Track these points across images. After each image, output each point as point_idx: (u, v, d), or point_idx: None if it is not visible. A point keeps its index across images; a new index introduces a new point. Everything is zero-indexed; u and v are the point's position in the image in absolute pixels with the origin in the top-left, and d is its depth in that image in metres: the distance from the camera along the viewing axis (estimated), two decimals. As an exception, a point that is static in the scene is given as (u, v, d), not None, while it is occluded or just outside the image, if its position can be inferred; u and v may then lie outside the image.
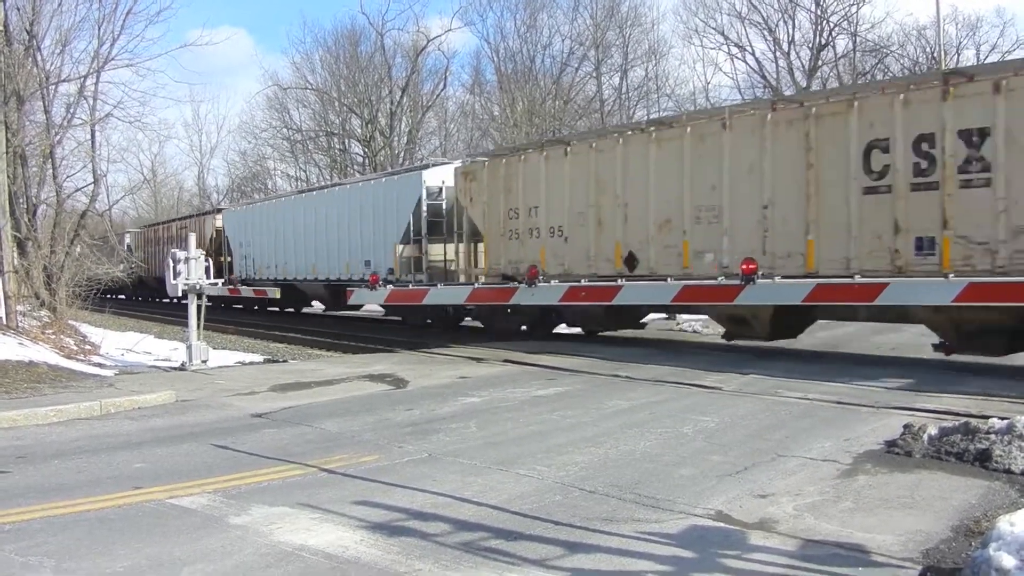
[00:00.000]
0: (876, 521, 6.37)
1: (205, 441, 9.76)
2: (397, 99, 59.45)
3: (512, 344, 19.94)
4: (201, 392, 13.50)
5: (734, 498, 7.02)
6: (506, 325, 22.62)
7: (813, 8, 48.26)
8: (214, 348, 19.00)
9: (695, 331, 23.00)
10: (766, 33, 50.16)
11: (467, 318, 25.82)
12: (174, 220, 50.32)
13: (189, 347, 16.89)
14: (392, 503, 7.00)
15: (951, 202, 13.51)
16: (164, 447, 9.53)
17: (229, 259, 36.33)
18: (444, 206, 24.41)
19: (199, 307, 16.97)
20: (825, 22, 47.91)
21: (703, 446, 9.05)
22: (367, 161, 59.38)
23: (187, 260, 16.82)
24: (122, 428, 10.77)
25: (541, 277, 19.15)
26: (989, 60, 42.36)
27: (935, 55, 41.68)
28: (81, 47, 37.14)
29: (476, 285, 20.90)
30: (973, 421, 8.88)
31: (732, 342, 18.22)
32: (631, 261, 18.26)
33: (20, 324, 18.41)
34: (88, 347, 20.06)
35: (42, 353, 16.37)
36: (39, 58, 22.32)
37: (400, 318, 28.84)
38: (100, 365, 17.54)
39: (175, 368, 17.24)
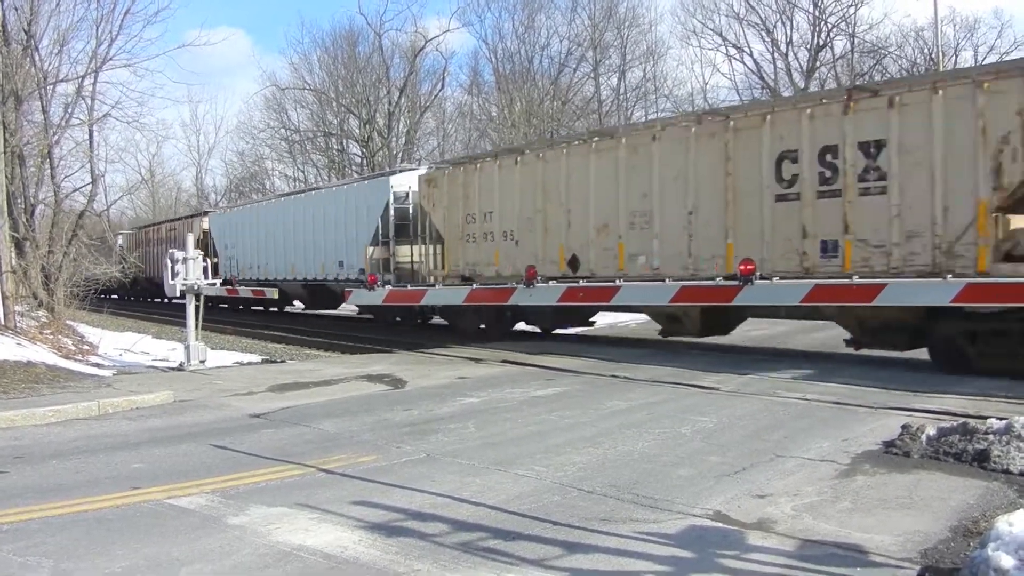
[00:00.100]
0: (874, 521, 6.38)
1: (203, 441, 9.76)
2: (395, 100, 59.50)
3: (511, 345, 19.97)
4: (199, 392, 13.50)
5: (732, 498, 7.02)
6: (467, 324, 23.42)
7: (811, 9, 48.40)
8: (212, 348, 19.00)
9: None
10: (764, 34, 50.30)
11: (435, 316, 26.80)
12: (163, 222, 50.71)
13: (187, 347, 16.89)
14: (390, 503, 7.00)
15: (852, 208, 14.57)
16: (162, 447, 9.53)
17: (215, 260, 36.58)
18: (410, 210, 25.47)
19: (197, 307, 16.96)
20: (823, 23, 48.03)
21: (701, 446, 9.06)
22: (365, 162, 59.42)
23: (185, 260, 16.81)
24: (120, 428, 10.77)
25: (539, 278, 19.15)
26: (987, 61, 42.43)
27: (933, 56, 41.70)
28: (79, 47, 37.03)
29: (474, 286, 20.91)
30: (971, 421, 8.88)
31: (669, 338, 19.10)
32: (574, 263, 19.27)
33: (18, 324, 18.39)
34: (86, 347, 20.04)
35: (40, 353, 16.35)
36: (37, 58, 22.34)
37: (372, 316, 29.93)
38: (98, 365, 17.52)
39: (173, 368, 17.23)
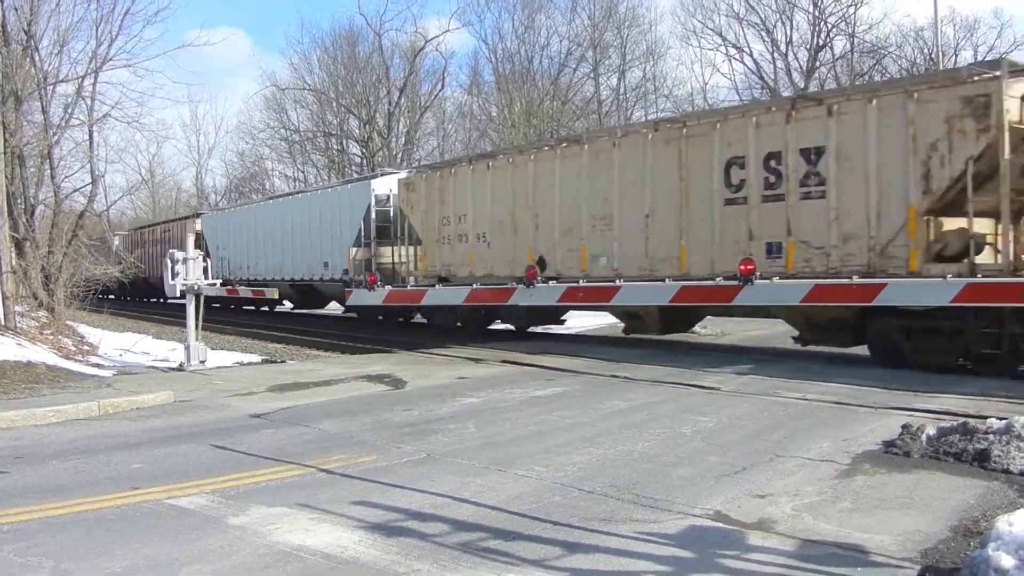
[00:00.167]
0: (874, 521, 6.37)
1: (203, 441, 9.76)
2: (395, 100, 59.56)
3: (511, 344, 20.00)
4: (199, 392, 13.50)
5: (732, 498, 7.02)
6: (444, 321, 24.68)
7: (811, 9, 48.39)
8: (212, 348, 19.01)
9: (694, 331, 23.03)
10: (764, 34, 50.31)
11: (416, 315, 27.63)
12: (158, 224, 51.44)
13: (187, 347, 16.88)
14: (390, 503, 7.00)
15: (794, 212, 15.45)
16: (162, 447, 9.53)
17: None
18: (391, 213, 26.58)
19: (197, 307, 16.95)
20: (823, 23, 48.03)
21: (701, 446, 9.06)
22: (365, 162, 59.45)
23: (185, 260, 16.81)
24: (120, 428, 10.77)
25: (539, 278, 19.17)
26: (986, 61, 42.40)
27: (933, 56, 41.68)
28: (79, 47, 37.13)
29: (474, 286, 20.98)
30: (971, 421, 8.88)
31: (634, 335, 20.13)
32: (542, 264, 20.18)
33: (18, 324, 18.39)
34: (86, 347, 20.05)
35: (40, 353, 16.35)
36: (37, 58, 22.33)
37: (356, 315, 30.89)
38: (98, 365, 17.53)
39: (173, 368, 17.24)
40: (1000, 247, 13.68)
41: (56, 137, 22.41)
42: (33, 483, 7.99)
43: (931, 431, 8.78)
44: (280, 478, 8.00)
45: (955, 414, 10.09)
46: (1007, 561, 5.02)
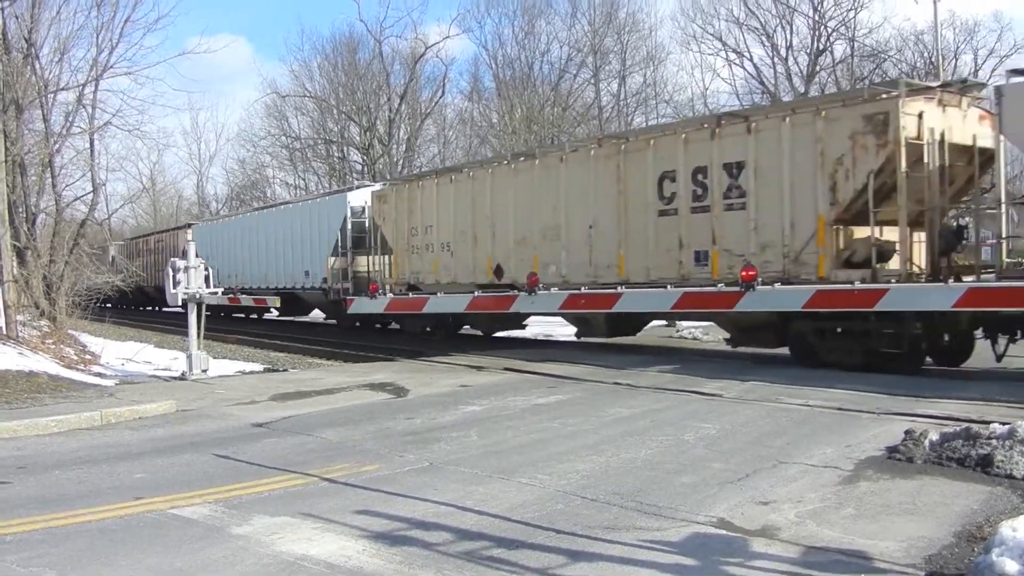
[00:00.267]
0: (878, 527, 6.37)
1: (206, 451, 9.76)
2: (395, 106, 59.61)
3: (513, 352, 20.00)
4: (202, 402, 13.49)
5: (736, 505, 7.02)
6: (414, 326, 26.25)
7: (811, 14, 48.38)
8: (214, 357, 19.01)
9: (695, 337, 23.16)
10: (764, 39, 50.28)
11: (393, 322, 28.90)
12: (151, 234, 52.19)
13: (189, 357, 16.89)
14: (394, 512, 6.99)
15: (718, 222, 16.60)
16: (165, 457, 9.52)
17: None
18: (366, 224, 28.16)
19: (199, 316, 16.95)
20: (823, 27, 48.02)
21: (704, 453, 9.05)
22: (366, 169, 59.48)
23: (187, 269, 16.81)
24: (123, 438, 10.76)
25: (540, 285, 19.19)
26: (987, 64, 42.52)
27: (933, 60, 41.69)
28: (80, 55, 37.03)
29: (476, 294, 21.09)
30: (974, 426, 8.89)
31: (605, 339, 21.14)
32: (499, 272, 21.56)
33: (20, 334, 18.39)
34: (88, 357, 20.05)
35: (42, 363, 16.36)
36: (38, 66, 22.31)
37: (335, 321, 32.37)
38: (100, 375, 17.53)
39: (175, 378, 17.23)
40: (908, 254, 14.88)
41: (57, 145, 22.42)
42: (36, 493, 7.99)
43: (934, 436, 8.77)
44: (283, 487, 8.00)
45: (958, 419, 10.09)
46: (1011, 567, 5.02)
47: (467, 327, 25.79)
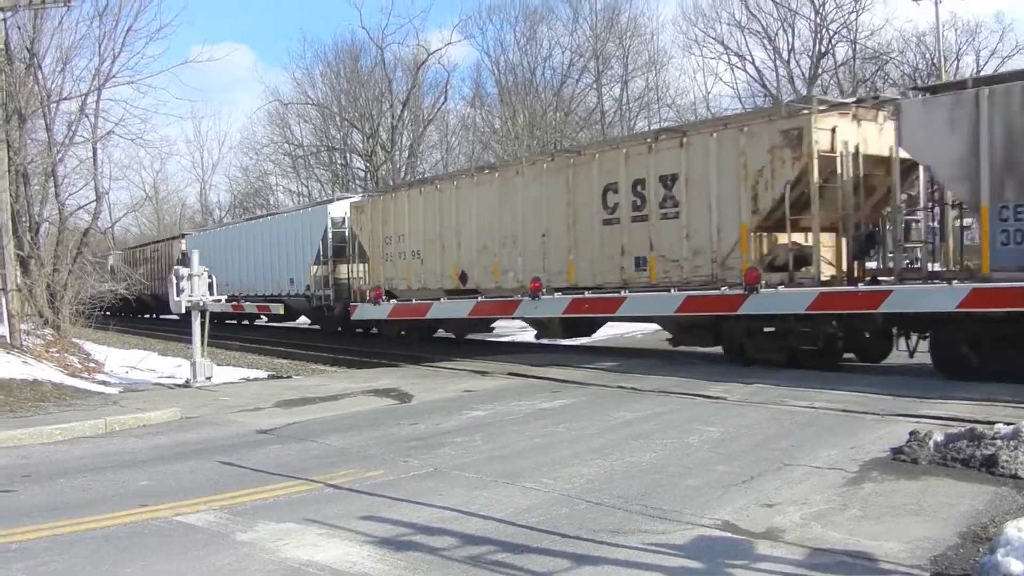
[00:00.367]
0: (883, 529, 6.36)
1: (211, 458, 9.76)
2: (398, 113, 59.66)
3: (516, 357, 20.05)
4: (206, 409, 13.50)
5: (741, 508, 7.01)
6: (389, 330, 27.99)
7: (812, 16, 48.45)
8: (218, 365, 19.01)
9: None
10: (766, 42, 50.40)
11: (374, 328, 30.12)
12: (148, 244, 53.50)
13: (193, 364, 16.89)
14: (398, 518, 6.99)
15: (655, 230, 17.72)
16: (169, 464, 9.53)
17: None
18: (346, 234, 29.64)
19: (203, 324, 16.97)
20: (824, 30, 48.11)
21: (709, 456, 9.04)
22: (369, 176, 59.55)
23: (190, 277, 16.82)
24: (127, 446, 10.77)
25: (544, 289, 19.24)
26: (989, 65, 42.51)
27: (935, 61, 41.76)
28: (82, 65, 37.11)
29: (479, 299, 21.18)
30: (979, 427, 8.87)
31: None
32: (464, 278, 22.65)
33: (24, 342, 18.42)
34: (92, 365, 20.08)
35: (46, 371, 16.38)
36: (40, 76, 22.30)
37: (319, 327, 34.15)
38: (104, 383, 17.56)
39: (179, 385, 17.26)
40: (831, 259, 16.35)
41: (60, 155, 22.44)
42: (41, 501, 8.00)
43: (939, 437, 8.76)
44: (288, 494, 8.00)
45: (962, 420, 10.08)
46: (1017, 567, 5.01)
47: (441, 331, 27.33)
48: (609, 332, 25.81)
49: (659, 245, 17.65)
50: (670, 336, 19.20)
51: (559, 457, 9.23)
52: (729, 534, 6.38)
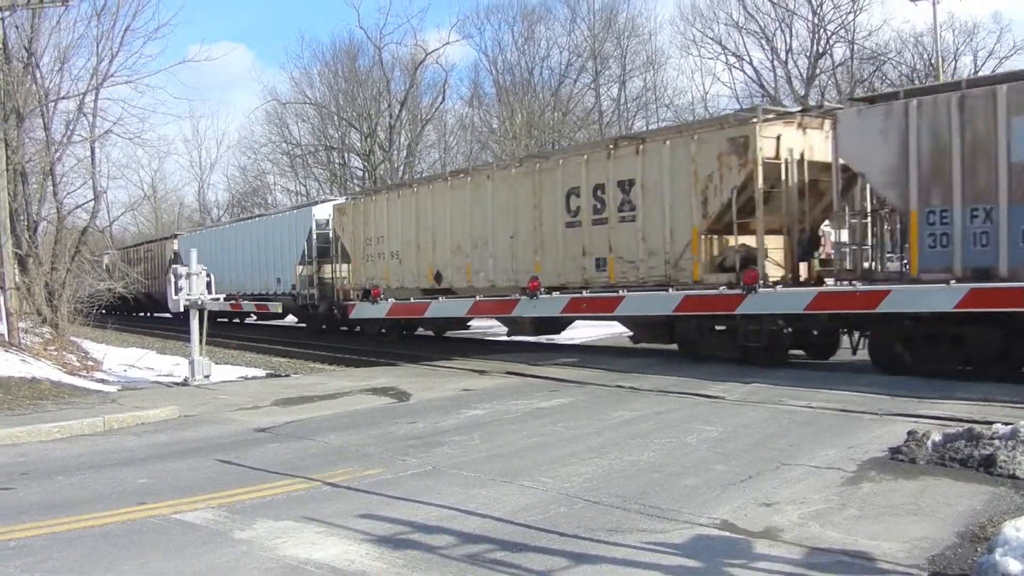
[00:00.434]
0: (881, 528, 6.37)
1: (209, 456, 9.76)
2: (396, 113, 59.58)
3: (514, 356, 20.06)
4: (204, 407, 13.50)
5: (739, 507, 7.02)
6: (371, 328, 29.16)
7: (810, 17, 48.40)
8: (216, 363, 19.00)
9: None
10: (764, 42, 50.33)
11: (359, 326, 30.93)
12: (141, 244, 54.27)
13: (192, 362, 16.89)
14: (397, 516, 6.99)
15: (614, 233, 18.52)
16: (168, 462, 9.53)
17: None
18: (330, 235, 30.82)
19: (201, 322, 16.95)
20: (822, 31, 48.03)
21: (707, 455, 9.05)
22: (367, 175, 59.50)
23: (189, 276, 16.81)
24: (126, 444, 10.77)
25: (542, 289, 19.27)
26: (987, 66, 42.53)
27: (932, 62, 41.76)
28: (80, 64, 37.14)
29: (477, 298, 21.22)
30: (977, 427, 8.88)
31: (532, 338, 24.05)
32: (438, 278, 23.52)
33: (22, 341, 18.39)
34: (90, 363, 20.05)
35: (44, 369, 16.36)
36: (38, 75, 22.29)
37: (305, 325, 35.31)
38: (103, 381, 17.54)
39: (178, 383, 17.24)
40: (780, 260, 16.85)
41: (58, 154, 22.42)
42: (39, 499, 8.00)
43: (937, 437, 8.77)
44: (286, 492, 8.01)
45: (960, 420, 10.09)
46: (1015, 566, 5.02)
47: (420, 329, 29.34)
48: (587, 332, 26.85)
49: (617, 247, 18.47)
50: (631, 334, 20.43)
51: (557, 456, 9.24)
52: (727, 533, 6.39)
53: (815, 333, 17.10)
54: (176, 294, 16.77)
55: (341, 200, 31.83)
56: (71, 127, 22.52)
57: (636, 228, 18.02)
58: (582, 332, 27.34)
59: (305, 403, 13.83)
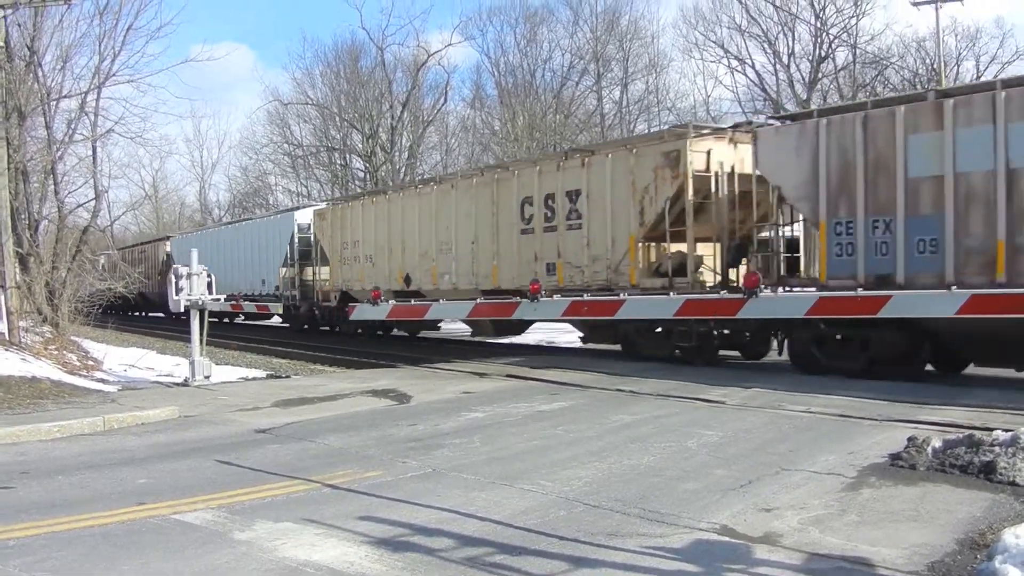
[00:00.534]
0: (881, 534, 6.37)
1: (209, 457, 9.76)
2: (398, 114, 59.62)
3: (516, 359, 20.04)
4: (204, 408, 13.50)
5: (739, 512, 7.01)
6: (348, 329, 30.46)
7: (813, 21, 48.37)
8: (216, 364, 19.00)
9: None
10: (766, 46, 50.26)
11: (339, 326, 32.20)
12: (135, 245, 55.40)
13: (192, 363, 16.88)
14: (396, 518, 6.99)
15: (562, 239, 19.96)
16: (168, 463, 9.53)
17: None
18: (311, 239, 32.37)
19: (201, 323, 16.95)
20: (825, 34, 47.99)
21: (707, 460, 9.05)
22: (368, 176, 59.54)
23: (189, 276, 16.81)
24: (126, 444, 10.77)
25: (543, 292, 19.31)
26: (989, 71, 42.50)
27: (935, 66, 41.74)
28: (82, 63, 37.07)
29: (478, 301, 21.33)
30: (977, 433, 8.88)
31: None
32: (408, 280, 25.10)
33: (23, 340, 18.40)
34: (91, 363, 20.06)
35: (45, 369, 16.37)
36: (40, 74, 22.29)
37: (288, 324, 36.66)
38: (103, 381, 17.54)
39: (178, 384, 17.24)
40: (714, 266, 17.85)
41: (60, 153, 22.42)
42: (39, 498, 8.00)
43: (937, 443, 8.77)
44: (286, 493, 8.01)
45: (960, 426, 10.08)
46: (1015, 573, 5.02)
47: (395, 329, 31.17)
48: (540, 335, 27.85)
49: (565, 252, 19.82)
50: (581, 335, 21.93)
51: (557, 459, 9.23)
52: (727, 538, 6.38)
53: (747, 335, 17.92)
54: (177, 294, 16.77)
55: (321, 206, 33.63)
56: (73, 126, 22.55)
57: (582, 235, 19.37)
58: (537, 336, 28.51)
59: (305, 404, 13.83)
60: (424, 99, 61.29)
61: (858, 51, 47.08)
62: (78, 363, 19.38)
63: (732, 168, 17.51)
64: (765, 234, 17.49)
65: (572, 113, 55.72)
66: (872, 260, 14.62)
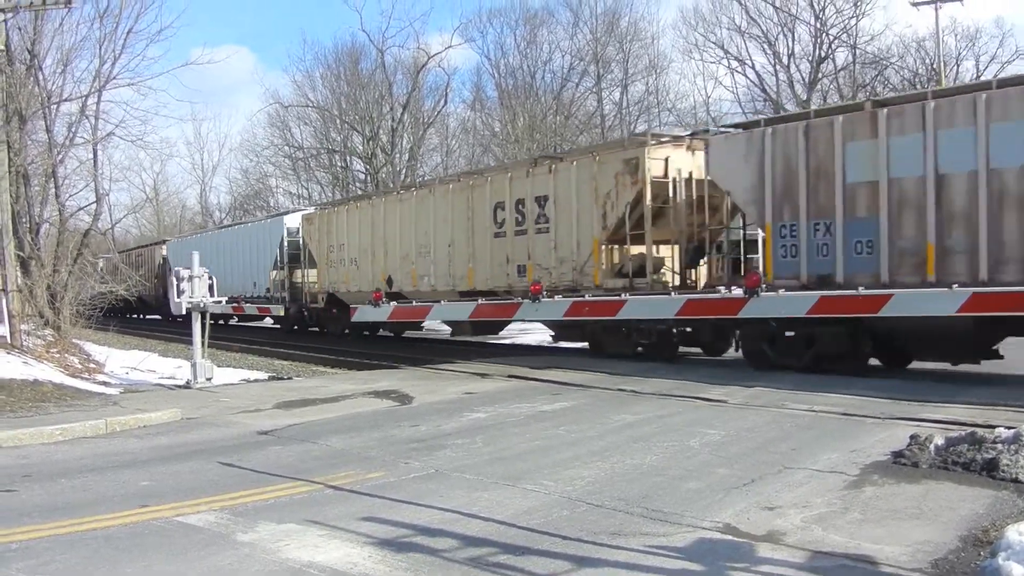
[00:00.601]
0: (884, 532, 6.36)
1: (211, 459, 9.76)
2: (398, 116, 59.62)
3: (517, 359, 20.07)
4: (207, 410, 13.50)
5: (742, 511, 7.01)
6: (334, 328, 32.07)
7: (812, 21, 48.39)
8: (218, 366, 19.01)
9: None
10: (766, 47, 50.30)
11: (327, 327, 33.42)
12: (133, 248, 55.94)
13: (194, 365, 16.88)
14: (399, 519, 6.99)
15: (532, 242, 20.90)
16: (170, 465, 9.52)
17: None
18: (300, 242, 33.28)
19: (203, 325, 16.95)
20: (825, 35, 48.03)
21: (710, 459, 9.04)
22: (369, 178, 59.56)
23: (191, 278, 16.81)
24: (128, 446, 10.77)
25: (544, 292, 19.30)
26: (989, 71, 42.52)
27: (935, 66, 41.76)
28: (83, 66, 36.91)
29: (480, 302, 21.25)
30: (979, 431, 8.87)
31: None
32: (390, 282, 26.00)
33: (24, 343, 18.42)
34: (92, 365, 20.07)
35: (47, 372, 16.38)
36: (41, 77, 22.29)
37: (279, 326, 37.98)
38: (105, 383, 17.56)
39: (180, 386, 17.25)
40: (674, 268, 18.85)
41: (60, 156, 22.44)
42: (41, 501, 8.00)
43: (939, 441, 8.76)
44: (288, 495, 8.00)
45: (963, 424, 10.08)
46: (1018, 571, 5.02)
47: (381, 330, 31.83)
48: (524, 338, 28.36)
49: (535, 255, 20.75)
50: (552, 333, 23.23)
51: (560, 459, 9.23)
52: (730, 537, 6.38)
53: (707, 333, 18.69)
54: (178, 297, 16.78)
55: (310, 210, 34.82)
56: (73, 129, 22.57)
57: (550, 238, 20.32)
58: (505, 334, 29.24)
59: (307, 406, 13.83)
60: (424, 101, 61.39)
61: (858, 51, 47.13)
62: (80, 366, 19.39)
63: (690, 174, 18.48)
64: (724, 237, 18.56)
65: (572, 114, 55.74)
66: (814, 261, 15.40)
